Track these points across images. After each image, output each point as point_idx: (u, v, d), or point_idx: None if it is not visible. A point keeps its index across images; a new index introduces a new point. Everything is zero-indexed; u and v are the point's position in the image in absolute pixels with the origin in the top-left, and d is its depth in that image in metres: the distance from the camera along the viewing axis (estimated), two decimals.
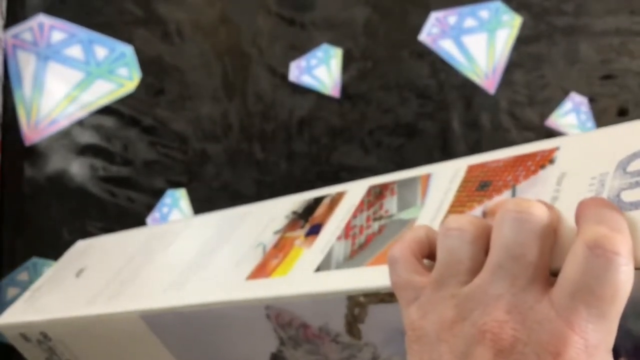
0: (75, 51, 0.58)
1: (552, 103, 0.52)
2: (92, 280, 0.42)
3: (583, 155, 0.27)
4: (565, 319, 0.21)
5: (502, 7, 0.54)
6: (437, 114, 0.54)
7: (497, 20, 0.54)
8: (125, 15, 0.58)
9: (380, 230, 0.31)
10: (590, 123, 0.52)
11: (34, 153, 0.58)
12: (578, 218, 0.23)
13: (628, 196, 0.23)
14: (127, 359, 0.39)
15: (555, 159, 0.28)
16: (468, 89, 0.54)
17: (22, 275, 0.58)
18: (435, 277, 0.24)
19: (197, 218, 0.45)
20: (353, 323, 0.30)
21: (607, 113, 0.52)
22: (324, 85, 0.56)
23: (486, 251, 0.23)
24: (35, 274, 0.57)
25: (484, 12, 0.54)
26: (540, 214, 0.23)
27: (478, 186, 0.30)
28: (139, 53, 0.58)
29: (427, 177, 0.33)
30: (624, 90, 0.51)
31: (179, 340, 0.36)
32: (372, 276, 0.29)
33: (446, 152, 0.54)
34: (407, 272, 0.25)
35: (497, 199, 0.28)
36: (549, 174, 0.27)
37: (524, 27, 0.53)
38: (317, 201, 0.37)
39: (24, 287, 0.57)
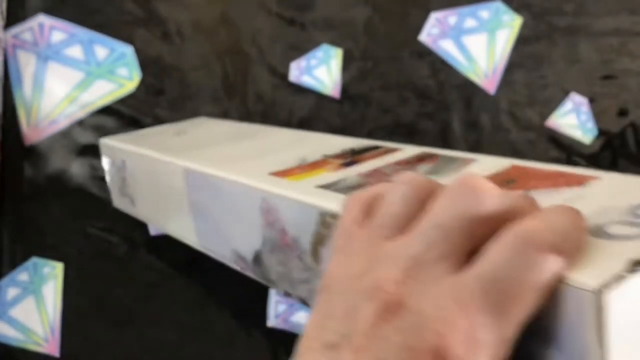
0: (75, 51, 0.58)
1: (552, 103, 0.52)
2: (182, 139, 0.49)
3: (615, 190, 0.27)
4: (461, 301, 0.19)
5: (502, 7, 0.54)
6: (437, 114, 0.54)
7: (497, 21, 0.54)
8: (125, 15, 0.58)
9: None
10: (590, 123, 0.52)
11: (34, 153, 0.58)
12: None
13: (613, 229, 0.22)
14: (163, 202, 0.46)
15: (587, 185, 0.28)
16: (468, 89, 0.54)
17: (22, 275, 0.58)
18: (366, 227, 0.24)
19: (272, 128, 0.51)
20: (317, 243, 0.31)
21: (607, 113, 0.52)
22: (324, 85, 0.56)
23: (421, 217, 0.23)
24: (35, 274, 0.57)
25: (484, 12, 0.54)
26: (492, 201, 0.21)
27: (504, 181, 0.30)
28: (139, 53, 0.58)
29: (469, 161, 0.34)
30: (624, 91, 0.51)
31: (198, 200, 0.41)
32: None
33: None
34: (347, 219, 0.25)
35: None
36: (570, 193, 0.27)
37: (524, 27, 0.53)
38: (375, 148, 0.40)
39: (24, 287, 0.57)
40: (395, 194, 0.24)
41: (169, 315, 0.56)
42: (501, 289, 0.19)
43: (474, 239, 0.21)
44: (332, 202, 0.30)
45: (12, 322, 0.57)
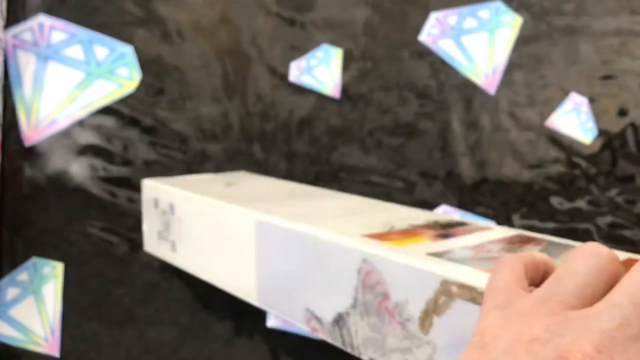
0: (75, 51, 0.58)
1: (552, 103, 0.52)
2: (236, 190, 0.49)
3: None
4: None
5: (502, 7, 0.54)
6: (437, 114, 0.54)
7: (497, 21, 0.54)
8: (125, 15, 0.58)
9: None
10: (590, 123, 0.52)
11: (34, 153, 0.58)
12: None
13: None
14: (218, 252, 0.45)
15: None
16: (468, 89, 0.54)
17: (22, 275, 0.58)
18: (541, 291, 0.23)
19: (345, 195, 0.50)
20: (431, 311, 0.30)
21: (607, 113, 0.52)
22: (324, 86, 0.56)
23: (606, 290, 0.22)
24: (35, 274, 0.57)
25: (484, 12, 0.54)
26: None
27: None
28: (139, 53, 0.58)
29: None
30: (624, 91, 0.51)
31: (269, 254, 0.40)
32: (475, 275, 0.29)
33: (446, 152, 0.54)
34: (509, 278, 0.24)
35: None
36: None
37: (524, 27, 0.53)
38: (462, 224, 0.39)
39: (24, 287, 0.57)
40: (579, 262, 0.23)
41: (169, 315, 0.56)
42: None
43: None
44: (458, 272, 0.29)
45: (12, 322, 0.57)
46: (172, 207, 0.49)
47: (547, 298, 0.22)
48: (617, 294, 0.21)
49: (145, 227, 0.53)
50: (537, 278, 0.25)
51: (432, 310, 0.30)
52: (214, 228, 0.45)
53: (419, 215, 0.42)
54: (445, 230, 0.38)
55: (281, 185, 0.52)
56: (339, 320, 0.35)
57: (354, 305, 0.34)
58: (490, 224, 0.40)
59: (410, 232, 0.37)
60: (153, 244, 0.52)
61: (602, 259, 0.23)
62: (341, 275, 0.35)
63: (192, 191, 0.48)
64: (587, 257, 0.23)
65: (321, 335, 0.37)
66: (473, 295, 0.28)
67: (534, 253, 0.26)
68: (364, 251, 0.33)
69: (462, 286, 0.28)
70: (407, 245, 0.34)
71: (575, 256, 0.23)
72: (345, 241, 0.35)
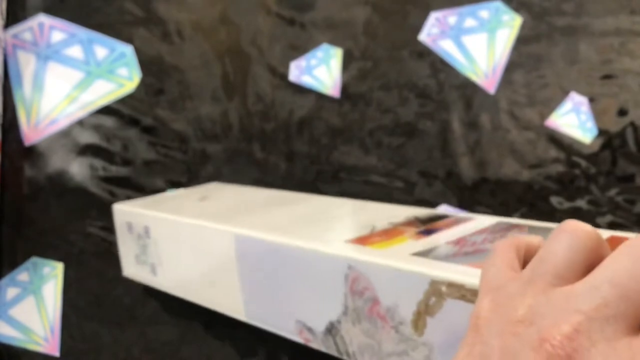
0: (75, 51, 0.58)
1: (552, 103, 0.52)
2: (211, 205, 0.47)
3: None
4: None
5: (502, 7, 0.54)
6: (437, 114, 0.54)
7: (497, 20, 0.54)
8: (125, 15, 0.58)
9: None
10: (590, 123, 0.52)
11: (34, 153, 0.58)
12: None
13: None
14: (199, 271, 0.44)
15: None
16: (468, 89, 0.54)
17: (22, 275, 0.58)
18: (526, 272, 0.23)
19: (321, 197, 0.49)
20: (423, 313, 0.30)
21: (607, 113, 0.52)
22: (324, 85, 0.56)
23: (589, 268, 0.22)
24: (35, 274, 0.57)
25: (484, 12, 0.54)
26: None
27: None
28: (139, 53, 0.58)
29: None
30: (624, 90, 0.51)
31: (252, 268, 0.39)
32: (463, 272, 0.29)
33: (446, 152, 0.54)
34: (501, 261, 0.25)
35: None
36: None
37: (524, 27, 0.53)
38: (442, 217, 0.39)
39: (24, 287, 0.57)
40: (559, 241, 0.23)
41: (169, 315, 0.56)
42: None
43: None
44: (446, 271, 0.29)
45: (12, 322, 0.57)
46: (146, 230, 0.48)
47: (531, 279, 0.22)
48: (597, 274, 0.21)
49: (122, 251, 0.51)
50: (530, 254, 0.25)
51: (424, 312, 0.30)
52: (193, 248, 0.44)
53: (398, 212, 0.41)
54: (426, 225, 0.37)
55: (256, 193, 0.51)
56: (332, 329, 0.35)
57: (345, 313, 0.34)
58: (469, 214, 0.40)
59: (392, 232, 0.36)
60: (132, 268, 0.51)
61: (583, 236, 0.23)
62: (328, 283, 0.34)
63: (165, 212, 0.46)
64: (568, 235, 0.23)
65: (315, 345, 0.37)
66: (462, 293, 0.28)
67: (528, 236, 0.26)
68: (348, 257, 0.33)
69: (450, 285, 0.28)
70: (390, 246, 0.33)
71: (556, 235, 0.23)
72: (328, 249, 0.34)
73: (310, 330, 0.36)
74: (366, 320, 0.33)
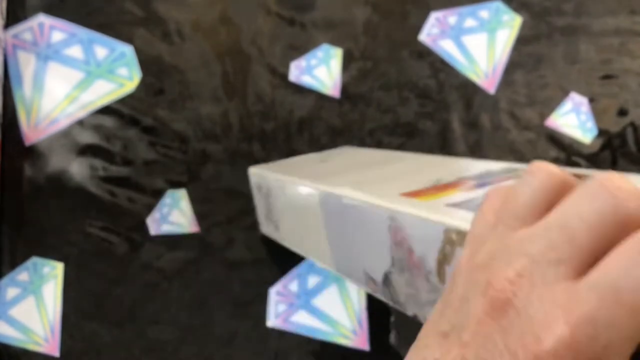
0: (75, 51, 0.58)
1: (552, 103, 0.52)
2: (326, 166, 0.50)
3: None
4: (569, 310, 0.18)
5: (502, 7, 0.54)
6: (437, 114, 0.54)
7: (497, 20, 0.54)
8: (125, 15, 0.58)
9: None
10: (590, 123, 0.52)
11: (34, 153, 0.58)
12: None
13: None
14: (302, 226, 0.46)
15: None
16: (468, 89, 0.54)
17: (22, 275, 0.58)
18: (491, 217, 0.23)
19: (418, 154, 0.50)
20: (442, 262, 0.30)
21: (607, 113, 0.52)
22: (324, 85, 0.56)
23: (549, 210, 0.21)
24: (35, 274, 0.57)
25: (484, 12, 0.54)
26: (634, 204, 0.19)
27: None
28: (139, 53, 0.58)
29: None
30: (624, 90, 0.51)
31: (333, 223, 0.41)
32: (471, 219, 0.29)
33: (446, 152, 0.54)
34: (486, 209, 0.24)
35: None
36: None
37: (524, 27, 0.53)
38: (513, 170, 0.38)
39: (24, 287, 0.57)
40: (522, 183, 0.22)
41: (169, 315, 0.56)
42: (618, 301, 0.17)
43: (602, 245, 0.19)
44: (458, 219, 0.28)
45: (12, 322, 0.57)
46: (269, 190, 0.51)
47: (495, 224, 0.22)
48: (551, 217, 0.20)
49: (257, 211, 0.55)
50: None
51: (443, 260, 0.29)
52: (296, 206, 0.46)
53: (480, 166, 0.40)
54: (491, 178, 0.36)
55: (376, 154, 0.52)
56: (386, 280, 0.36)
57: (393, 264, 0.34)
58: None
59: (450, 186, 0.36)
60: (264, 226, 0.55)
61: (544, 177, 0.22)
62: (378, 235, 0.35)
63: (280, 173, 0.49)
64: (531, 177, 0.22)
65: (379, 295, 0.37)
66: None
67: (515, 182, 0.25)
68: (389, 209, 0.33)
69: (459, 232, 0.28)
70: (436, 198, 0.33)
71: (521, 177, 0.23)
72: (374, 201, 0.35)
73: (374, 281, 0.37)
74: (407, 270, 0.33)
